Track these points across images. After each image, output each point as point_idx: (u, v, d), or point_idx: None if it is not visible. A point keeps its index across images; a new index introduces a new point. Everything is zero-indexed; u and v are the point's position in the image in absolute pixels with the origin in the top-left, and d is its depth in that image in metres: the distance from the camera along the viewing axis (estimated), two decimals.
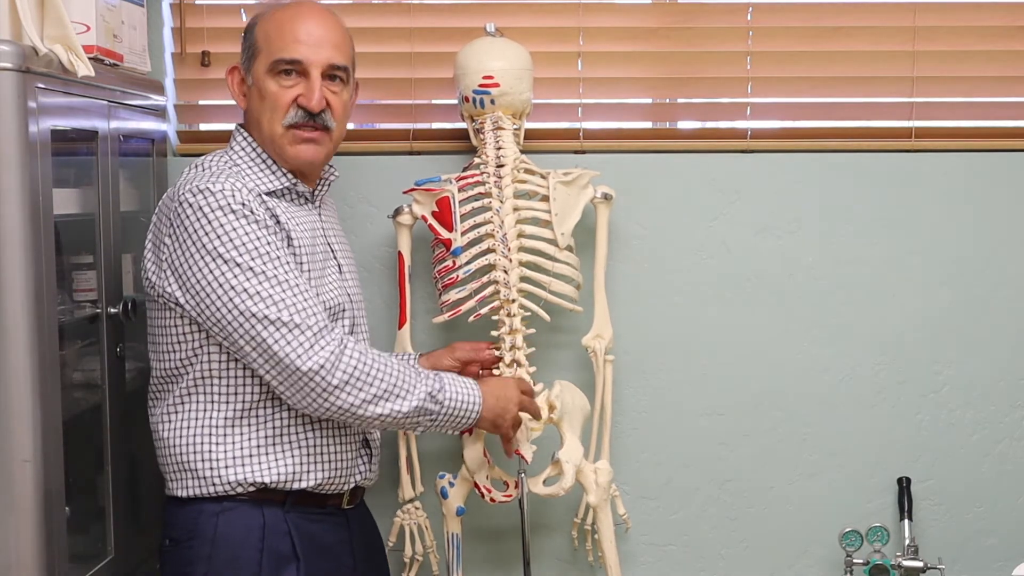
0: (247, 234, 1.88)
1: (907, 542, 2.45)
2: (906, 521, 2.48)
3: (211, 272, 1.87)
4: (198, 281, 1.88)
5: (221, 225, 1.88)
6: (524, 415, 2.17)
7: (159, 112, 2.43)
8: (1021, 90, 2.59)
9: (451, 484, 2.27)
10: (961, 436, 2.58)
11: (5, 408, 1.79)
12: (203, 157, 2.05)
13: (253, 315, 1.86)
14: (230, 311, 1.87)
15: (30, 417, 1.80)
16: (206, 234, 1.88)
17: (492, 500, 2.24)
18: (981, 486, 2.58)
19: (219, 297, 1.87)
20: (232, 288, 1.87)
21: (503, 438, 2.16)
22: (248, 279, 1.87)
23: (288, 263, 1.91)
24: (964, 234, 2.55)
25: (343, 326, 2.05)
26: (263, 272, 1.87)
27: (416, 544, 2.38)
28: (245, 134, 2.05)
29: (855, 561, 2.44)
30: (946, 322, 2.56)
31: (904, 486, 2.54)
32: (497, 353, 2.24)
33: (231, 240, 1.87)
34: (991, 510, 2.59)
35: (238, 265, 1.87)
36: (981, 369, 2.57)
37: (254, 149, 2.03)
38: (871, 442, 2.58)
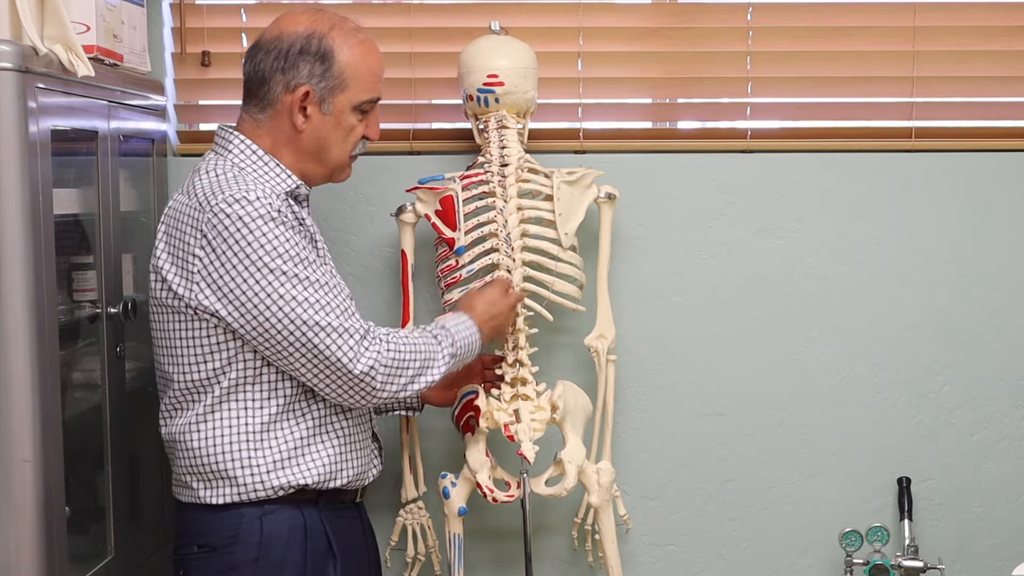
0: (287, 240, 1.89)
1: (907, 542, 2.45)
2: (906, 521, 2.49)
3: (257, 283, 1.87)
4: (243, 292, 1.88)
5: (264, 234, 1.88)
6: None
7: (159, 112, 2.42)
8: (1021, 90, 2.59)
9: (453, 484, 2.26)
10: (961, 436, 2.58)
11: (5, 408, 1.78)
12: (204, 163, 2.00)
13: (304, 322, 1.88)
14: (279, 320, 1.88)
15: (30, 417, 1.80)
16: (248, 244, 1.87)
17: (494, 500, 2.24)
18: (981, 486, 2.59)
19: (268, 307, 1.88)
20: (281, 297, 1.88)
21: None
22: (294, 286, 1.88)
23: (324, 264, 1.96)
24: (964, 234, 2.55)
25: None
26: (307, 278, 1.90)
27: (418, 544, 2.38)
28: (242, 137, 2.01)
29: (855, 561, 2.44)
30: (946, 322, 2.56)
31: (904, 486, 2.54)
32: (498, 372, 2.28)
33: (275, 248, 1.88)
34: (991, 510, 2.59)
35: (284, 273, 1.88)
36: (981, 369, 2.57)
37: (254, 152, 2.01)
38: (871, 442, 2.58)
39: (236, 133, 2.03)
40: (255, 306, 1.88)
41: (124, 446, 2.16)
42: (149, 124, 2.37)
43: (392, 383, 1.96)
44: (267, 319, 1.88)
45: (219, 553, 1.96)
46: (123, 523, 2.16)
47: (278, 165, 2.02)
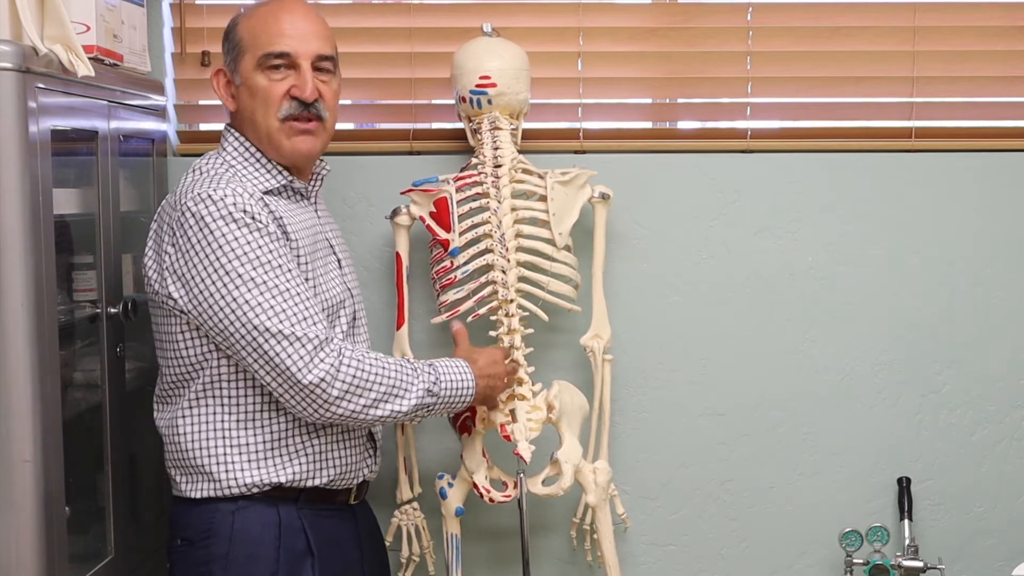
0: (247, 243, 1.89)
1: (907, 542, 2.44)
2: (906, 521, 2.48)
3: (213, 284, 1.88)
4: (200, 292, 1.89)
5: (223, 235, 1.88)
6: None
7: (159, 112, 2.43)
8: (1021, 90, 2.58)
9: (450, 484, 2.27)
10: (961, 436, 2.58)
11: (5, 408, 1.79)
12: (199, 160, 2.04)
13: (255, 327, 1.87)
14: (232, 323, 1.88)
15: (30, 417, 1.81)
16: (208, 244, 1.88)
17: (491, 500, 2.24)
18: (981, 486, 2.58)
19: (221, 309, 1.88)
20: (234, 300, 1.87)
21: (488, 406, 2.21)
22: (249, 290, 1.87)
23: (290, 270, 1.92)
24: (964, 234, 2.55)
25: (344, 322, 2.06)
26: (264, 283, 1.88)
27: (413, 544, 2.39)
28: (236, 134, 2.05)
29: (855, 561, 2.44)
30: (946, 322, 2.56)
31: (904, 486, 2.54)
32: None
33: (232, 251, 1.88)
34: (991, 510, 2.59)
35: (239, 276, 1.87)
36: (981, 369, 2.57)
37: (247, 148, 2.03)
38: (871, 442, 2.57)
39: (231, 130, 2.06)
40: (210, 306, 1.89)
41: (124, 446, 2.17)
42: (149, 124, 2.38)
43: (350, 401, 1.91)
44: (221, 320, 1.89)
45: (196, 547, 1.98)
46: (123, 523, 2.16)
47: (269, 162, 2.03)
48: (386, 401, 1.94)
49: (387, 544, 2.36)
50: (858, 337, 2.56)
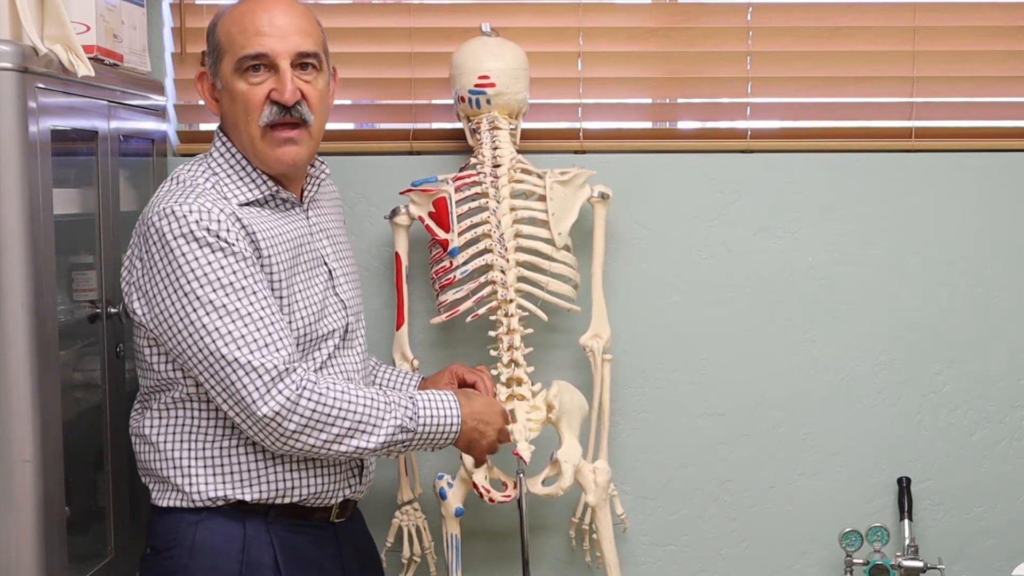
0: (208, 264, 1.81)
1: (907, 542, 2.45)
2: (906, 521, 2.48)
3: (172, 305, 1.82)
4: (161, 312, 1.84)
5: (183, 254, 1.81)
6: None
7: (159, 112, 2.43)
8: (1021, 90, 2.58)
9: (450, 485, 2.27)
10: (961, 436, 2.58)
11: (5, 408, 1.79)
12: (182, 166, 1.98)
13: (211, 353, 1.81)
14: (190, 347, 1.83)
15: (30, 417, 1.80)
16: (168, 263, 1.82)
17: (491, 500, 2.24)
18: (981, 486, 2.58)
19: (179, 331, 1.83)
20: (192, 324, 1.81)
21: (476, 460, 2.09)
22: (208, 314, 1.81)
23: (255, 292, 1.84)
24: (964, 234, 2.55)
25: (337, 335, 2.00)
26: (223, 306, 1.81)
27: (414, 545, 2.38)
28: (224, 139, 1.97)
29: (855, 561, 2.44)
30: (946, 322, 2.56)
31: (904, 486, 2.54)
32: (493, 371, 2.24)
33: (192, 271, 1.81)
34: (991, 510, 2.59)
35: (198, 299, 1.81)
36: (981, 369, 2.57)
37: (233, 155, 1.96)
38: (871, 442, 2.57)
39: (220, 135, 2.00)
40: (170, 327, 1.84)
41: (124, 446, 2.15)
42: (149, 124, 2.38)
43: (309, 436, 1.83)
44: (180, 343, 1.83)
45: (161, 556, 1.94)
46: (123, 523, 2.16)
47: (255, 170, 1.96)
48: (350, 437, 1.86)
49: (388, 544, 2.36)
50: (858, 337, 2.56)
